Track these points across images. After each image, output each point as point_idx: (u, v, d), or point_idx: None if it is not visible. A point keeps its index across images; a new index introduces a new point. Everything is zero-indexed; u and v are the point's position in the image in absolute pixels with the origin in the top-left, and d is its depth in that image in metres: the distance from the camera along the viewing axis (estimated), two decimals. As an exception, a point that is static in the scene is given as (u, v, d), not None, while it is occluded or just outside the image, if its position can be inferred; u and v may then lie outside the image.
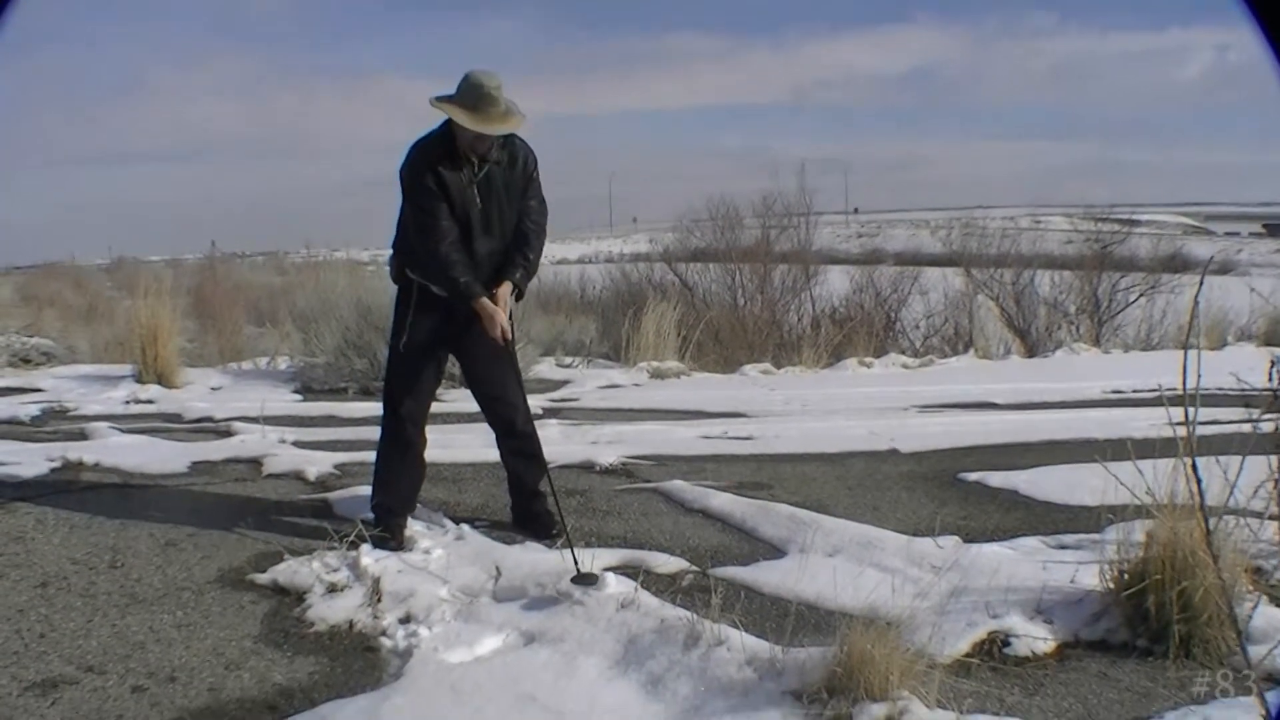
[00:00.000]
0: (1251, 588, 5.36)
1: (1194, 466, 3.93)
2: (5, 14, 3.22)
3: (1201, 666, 4.98)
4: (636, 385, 14.01)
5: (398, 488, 6.76)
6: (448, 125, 6.33)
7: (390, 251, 6.86)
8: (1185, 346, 3.81)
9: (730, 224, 22.34)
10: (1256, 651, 4.81)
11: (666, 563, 6.37)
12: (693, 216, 23.78)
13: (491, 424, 6.94)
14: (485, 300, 6.35)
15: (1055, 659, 5.18)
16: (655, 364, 14.97)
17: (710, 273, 21.22)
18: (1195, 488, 3.99)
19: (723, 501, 7.52)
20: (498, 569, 6.07)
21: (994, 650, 5.20)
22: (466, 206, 6.34)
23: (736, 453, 9.34)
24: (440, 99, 6.25)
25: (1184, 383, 3.73)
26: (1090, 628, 5.38)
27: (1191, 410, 3.81)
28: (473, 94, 6.14)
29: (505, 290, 6.49)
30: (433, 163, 6.29)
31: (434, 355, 6.71)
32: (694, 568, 6.33)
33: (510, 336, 6.51)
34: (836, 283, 21.62)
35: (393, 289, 6.88)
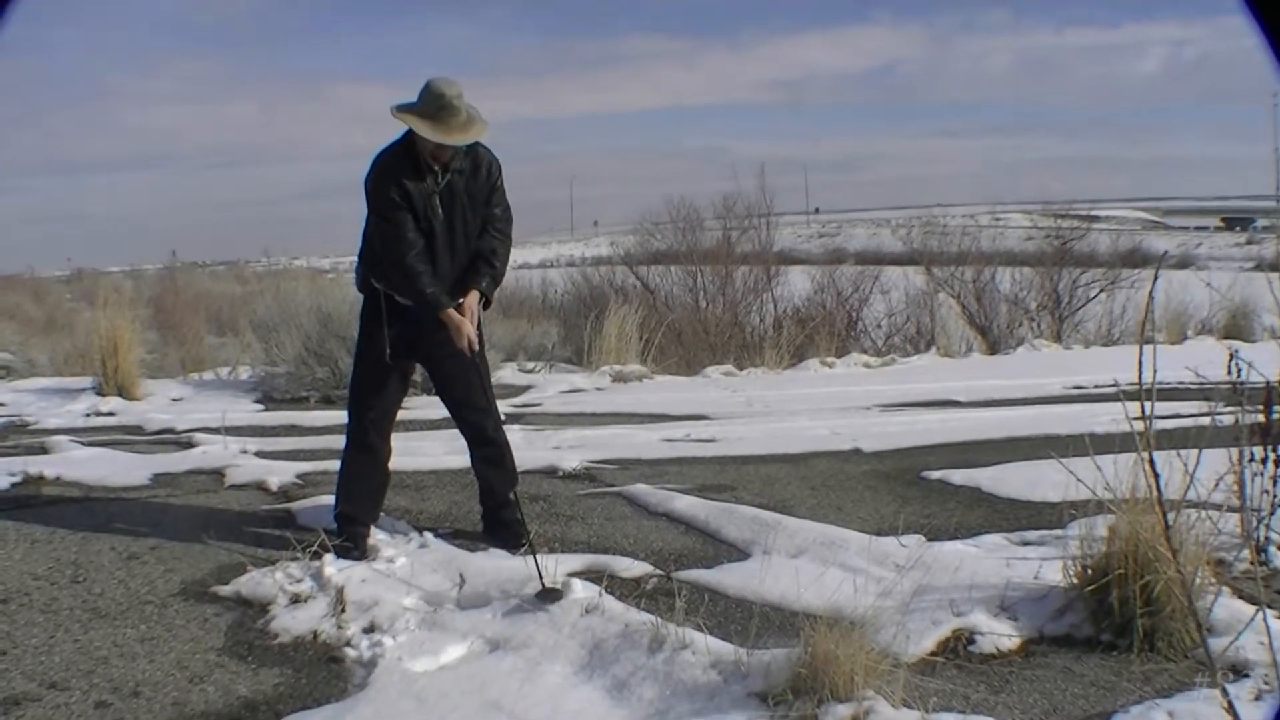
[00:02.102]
0: (1214, 580, 5.38)
1: (1152, 462, 3.94)
2: (5, 14, 3.19)
3: (1166, 660, 5.02)
4: (599, 389, 14.01)
5: (361, 496, 6.73)
6: (409, 134, 6.29)
7: (356, 261, 6.82)
8: (1141, 342, 3.82)
9: (691, 226, 22.36)
10: (1219, 643, 4.84)
11: (630, 567, 6.37)
12: (653, 219, 23.80)
13: (462, 432, 6.91)
14: (452, 311, 6.34)
15: (1020, 655, 5.20)
16: (617, 367, 14.97)
17: (672, 275, 21.21)
18: (1153, 483, 4.00)
19: (686, 504, 7.52)
20: (462, 577, 6.05)
21: (959, 648, 5.22)
22: (430, 216, 6.31)
23: (699, 455, 9.36)
24: (400, 108, 6.22)
25: (1140, 378, 3.73)
26: (1054, 623, 5.41)
27: (1149, 405, 3.82)
28: (433, 103, 6.11)
29: (473, 299, 6.49)
30: (396, 173, 6.26)
31: (400, 364, 6.67)
32: (658, 571, 6.33)
33: (477, 346, 6.50)
34: (798, 283, 21.65)
35: (357, 298, 6.85)
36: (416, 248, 6.28)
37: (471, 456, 6.97)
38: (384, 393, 6.68)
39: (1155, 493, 4.09)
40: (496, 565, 6.23)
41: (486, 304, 6.66)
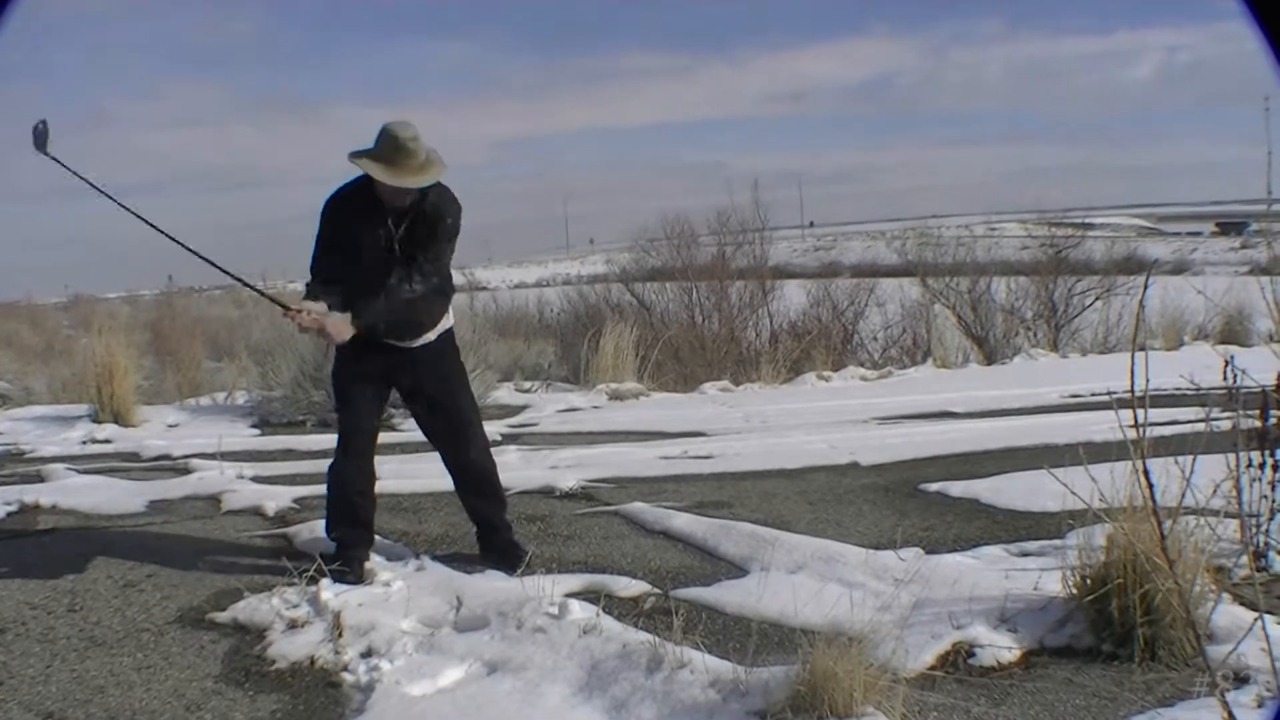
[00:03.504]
0: (1214, 587, 5.36)
1: (1146, 471, 3.93)
2: (5, 15, 3.19)
3: (1167, 669, 4.99)
4: (595, 407, 14.00)
5: (352, 519, 6.73)
6: (367, 176, 6.28)
7: None
8: (1133, 349, 3.81)
9: (686, 242, 22.34)
10: (1220, 651, 4.82)
11: (628, 586, 6.35)
12: (649, 236, 23.80)
13: (445, 463, 6.92)
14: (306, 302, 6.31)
15: (1021, 667, 5.17)
16: (614, 385, 14.96)
17: (667, 292, 21.22)
18: (1148, 492, 3.99)
19: (684, 522, 7.50)
20: (459, 599, 6.03)
21: (959, 661, 5.19)
22: (388, 260, 6.31)
23: (697, 472, 9.34)
24: (356, 154, 6.20)
25: (1133, 386, 3.72)
26: (1055, 634, 5.38)
27: (1142, 413, 3.81)
28: (388, 147, 6.10)
29: (319, 306, 6.31)
30: (346, 213, 6.35)
31: (368, 384, 6.66)
32: (656, 590, 6.31)
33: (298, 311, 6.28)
34: (793, 297, 21.66)
35: None
36: (316, 275, 6.40)
37: (456, 486, 6.97)
38: (359, 414, 6.69)
39: (1150, 502, 4.07)
40: (494, 587, 6.21)
41: (359, 329, 6.36)
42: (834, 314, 20.73)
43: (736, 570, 6.62)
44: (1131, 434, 4.64)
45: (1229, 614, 5.24)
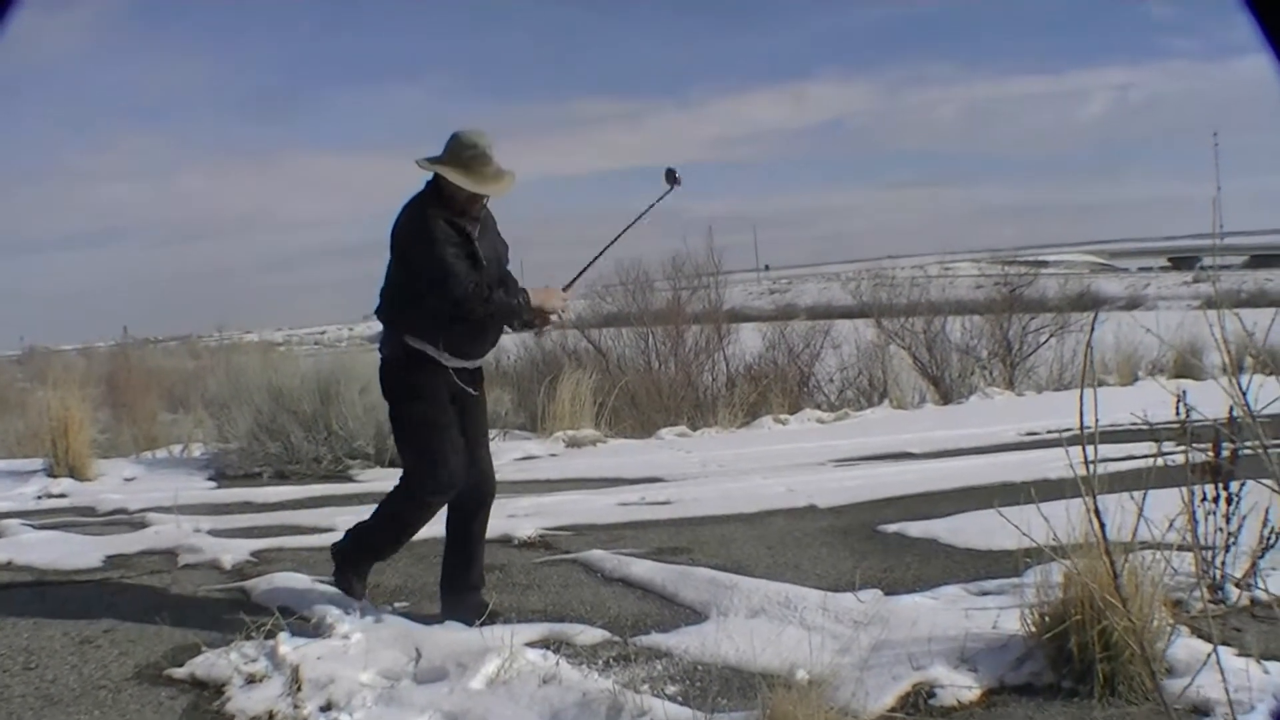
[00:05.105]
0: (1171, 620, 5.39)
1: (1097, 511, 3.96)
2: (5, 16, 3.18)
3: (1127, 703, 5.02)
4: (553, 455, 14.00)
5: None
6: (435, 188, 6.25)
7: (380, 325, 6.64)
8: (1083, 386, 3.84)
9: (641, 287, 22.33)
10: (1178, 684, 4.85)
11: (588, 634, 6.34)
12: (604, 282, 23.80)
13: (471, 497, 6.68)
14: (534, 288, 6.35)
15: (981, 706, 5.18)
16: (571, 433, 14.94)
17: (624, 337, 21.18)
18: (1099, 530, 4.02)
19: (642, 569, 7.50)
20: (418, 651, 5.99)
21: (919, 702, 5.19)
22: (481, 264, 6.26)
23: (655, 518, 9.35)
24: (431, 160, 6.19)
25: (1082, 423, 3.75)
26: (1015, 672, 5.40)
27: (1091, 450, 3.83)
28: (466, 153, 6.12)
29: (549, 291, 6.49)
30: (441, 214, 6.18)
31: (450, 410, 6.45)
32: (615, 638, 6.30)
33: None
34: (749, 340, 21.66)
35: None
36: (474, 277, 6.16)
37: (470, 527, 6.79)
38: (453, 462, 6.42)
39: (1102, 541, 4.09)
40: (453, 638, 6.17)
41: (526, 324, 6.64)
42: (790, 356, 20.75)
43: (696, 616, 6.62)
44: (1089, 470, 4.68)
45: (1187, 647, 5.27)
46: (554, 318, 6.50)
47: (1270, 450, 3.78)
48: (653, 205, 6.96)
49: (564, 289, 6.61)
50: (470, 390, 6.46)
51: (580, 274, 6.89)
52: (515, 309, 6.31)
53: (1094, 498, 3.97)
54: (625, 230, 6.89)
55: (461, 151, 6.14)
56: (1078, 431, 4.52)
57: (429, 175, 6.29)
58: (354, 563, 6.72)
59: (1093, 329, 4.78)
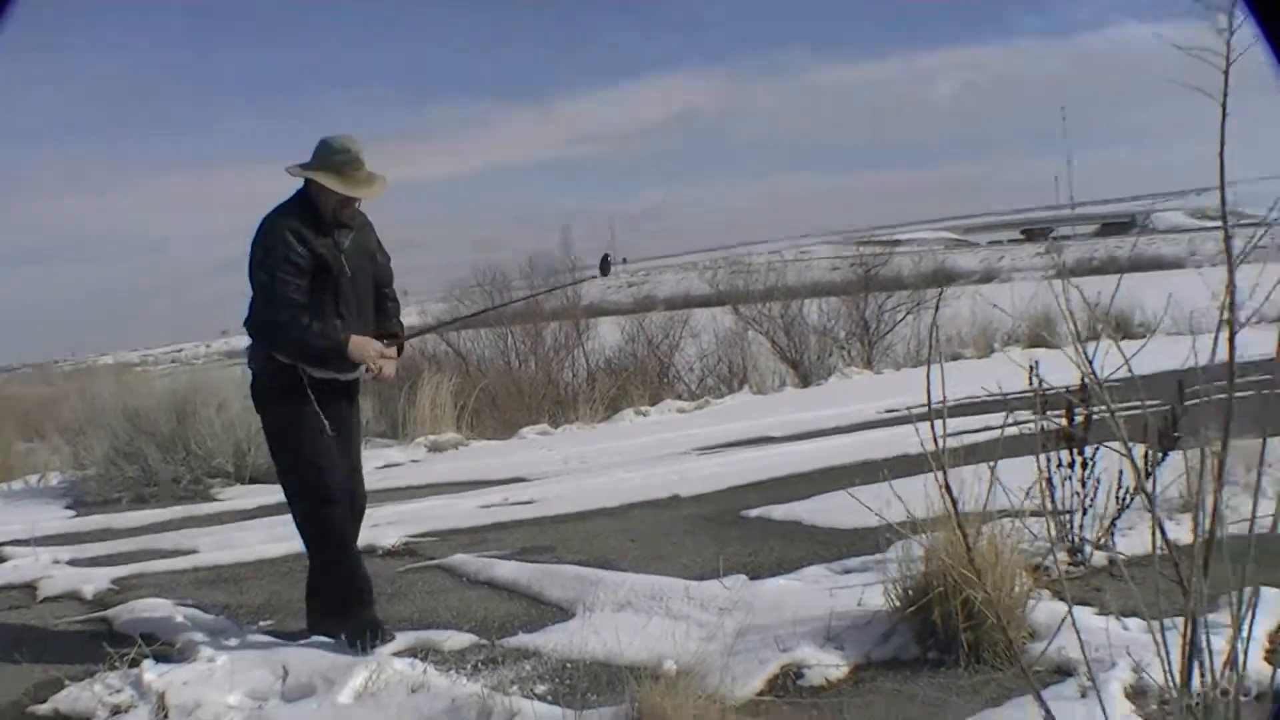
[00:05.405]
0: (1033, 584, 5.43)
1: (947, 486, 3.95)
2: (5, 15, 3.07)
3: (993, 669, 5.05)
4: (415, 461, 13.90)
5: (353, 580, 6.39)
6: (305, 195, 6.13)
7: (249, 339, 6.39)
8: (929, 362, 3.83)
9: (498, 288, 22.27)
10: (1039, 648, 4.88)
11: (455, 639, 6.26)
12: (461, 285, 23.69)
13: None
14: (356, 337, 6.06)
15: (850, 683, 5.19)
16: (433, 437, 14.86)
17: (483, 339, 21.10)
18: (950, 505, 4.01)
19: (507, 570, 7.44)
20: (285, 669, 5.88)
21: (788, 684, 5.19)
22: (339, 276, 6.08)
23: (519, 518, 9.31)
24: (302, 166, 6.07)
25: (930, 400, 3.74)
26: (881, 647, 5.42)
27: (940, 426, 3.82)
28: (337, 157, 6.00)
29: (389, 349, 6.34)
30: (297, 229, 5.99)
31: (329, 431, 6.23)
32: (483, 641, 6.23)
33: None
34: (608, 335, 21.70)
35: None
36: (301, 304, 5.96)
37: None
38: (336, 472, 6.28)
39: (954, 516, 4.09)
40: (319, 654, 6.06)
41: (399, 350, 6.50)
42: (649, 348, 20.78)
43: (562, 613, 6.58)
44: (942, 445, 4.68)
45: (1048, 610, 5.34)
46: (365, 372, 6.30)
47: (1123, 414, 3.79)
48: (549, 290, 7.03)
49: (388, 344, 6.40)
50: (343, 403, 6.35)
51: (417, 334, 6.78)
52: (326, 350, 6.05)
53: (945, 473, 3.95)
54: (496, 308, 6.88)
55: (331, 156, 6.04)
56: (936, 406, 4.53)
57: (299, 184, 6.18)
58: (330, 610, 6.42)
59: (937, 308, 4.80)
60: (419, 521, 9.32)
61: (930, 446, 4.47)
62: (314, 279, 6.04)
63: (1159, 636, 3.50)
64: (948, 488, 3.93)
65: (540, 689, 5.33)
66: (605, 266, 6.97)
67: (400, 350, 6.53)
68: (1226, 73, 3.28)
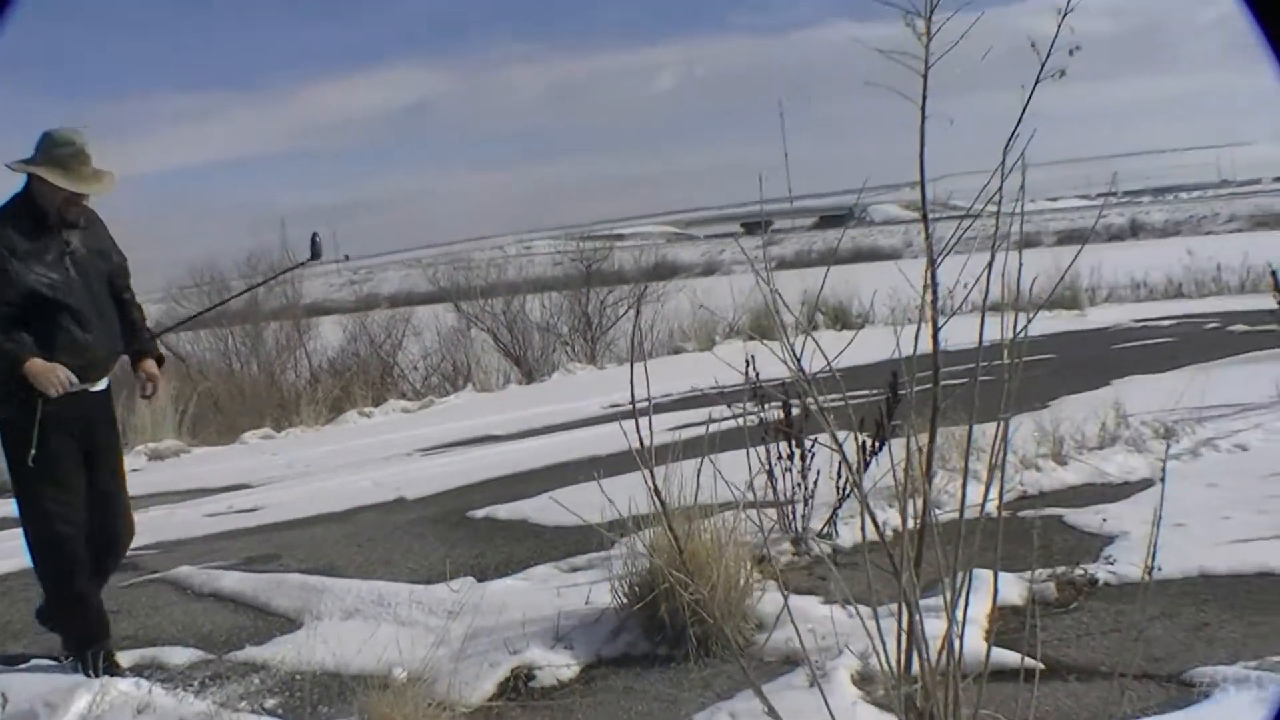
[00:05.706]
0: (760, 576, 5.52)
1: (656, 488, 4.00)
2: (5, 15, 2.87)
3: (723, 662, 5.13)
4: (135, 470, 13.42)
5: (88, 611, 5.97)
6: (26, 194, 5.74)
7: None
8: (631, 363, 3.86)
9: (217, 288, 21.85)
10: (766, 638, 4.97)
11: (181, 655, 6.13)
12: (179, 284, 23.16)
13: (97, 543, 6.06)
14: (35, 359, 5.53)
15: (581, 683, 5.24)
16: (154, 445, 14.50)
17: (203, 340, 20.69)
18: (659, 504, 4.06)
19: (233, 581, 7.31)
20: (4, 696, 5.67)
21: (520, 686, 5.22)
22: (66, 281, 5.70)
23: (244, 526, 9.19)
24: (24, 162, 5.66)
25: (634, 398, 3.77)
26: (610, 645, 5.48)
27: (646, 424, 3.84)
28: (62, 151, 5.62)
29: (150, 365, 6.17)
30: (11, 235, 5.59)
31: (69, 446, 5.84)
32: (210, 655, 6.12)
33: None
34: (331, 334, 21.48)
35: None
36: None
37: (93, 560, 6.06)
38: (67, 493, 5.84)
39: (664, 516, 4.14)
40: (42, 678, 5.82)
41: (159, 361, 6.30)
42: (371, 348, 20.65)
43: (290, 624, 6.49)
44: (668, 439, 4.74)
45: (776, 601, 5.36)
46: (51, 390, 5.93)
47: (854, 403, 3.89)
48: (264, 282, 6.81)
49: (149, 367, 6.19)
50: (81, 424, 5.91)
51: (153, 337, 6.56)
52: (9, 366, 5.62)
53: (652, 474, 3.98)
54: (218, 305, 6.64)
55: (55, 150, 5.65)
56: (661, 399, 4.58)
57: (22, 180, 5.78)
58: (69, 627, 6.04)
59: (639, 310, 4.83)
60: (141, 533, 9.06)
61: (663, 439, 4.54)
62: (32, 291, 5.62)
63: (869, 625, 3.59)
64: (657, 490, 3.98)
65: (270, 703, 5.27)
66: (316, 248, 6.74)
67: (161, 362, 6.34)
68: (925, 76, 3.39)
